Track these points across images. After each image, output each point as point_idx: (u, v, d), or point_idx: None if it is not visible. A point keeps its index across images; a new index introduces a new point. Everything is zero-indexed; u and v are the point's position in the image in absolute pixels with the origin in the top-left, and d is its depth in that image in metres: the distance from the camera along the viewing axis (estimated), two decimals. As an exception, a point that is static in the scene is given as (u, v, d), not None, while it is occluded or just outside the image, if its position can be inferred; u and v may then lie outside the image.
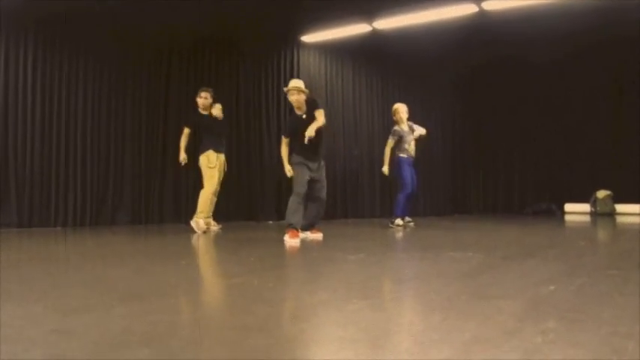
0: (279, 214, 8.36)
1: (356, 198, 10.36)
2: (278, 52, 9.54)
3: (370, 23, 8.89)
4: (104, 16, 7.59)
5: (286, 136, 5.95)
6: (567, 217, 10.66)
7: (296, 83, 5.89)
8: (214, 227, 7.13)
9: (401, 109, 7.73)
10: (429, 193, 11.41)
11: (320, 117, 5.66)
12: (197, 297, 2.99)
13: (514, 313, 2.28)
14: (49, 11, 7.25)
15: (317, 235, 5.87)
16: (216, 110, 7.01)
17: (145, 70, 8.19)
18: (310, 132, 5.49)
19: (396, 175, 7.64)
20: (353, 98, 10.57)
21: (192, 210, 6.84)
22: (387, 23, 8.87)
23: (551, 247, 5.25)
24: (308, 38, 9.61)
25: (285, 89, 5.98)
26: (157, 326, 2.10)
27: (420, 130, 7.75)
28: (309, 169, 5.71)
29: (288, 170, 5.77)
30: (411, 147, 7.64)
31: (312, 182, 5.74)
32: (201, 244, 5.68)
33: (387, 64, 10.95)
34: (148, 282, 3.20)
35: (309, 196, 5.81)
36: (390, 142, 7.62)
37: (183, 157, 6.90)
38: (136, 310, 2.38)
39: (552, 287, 2.85)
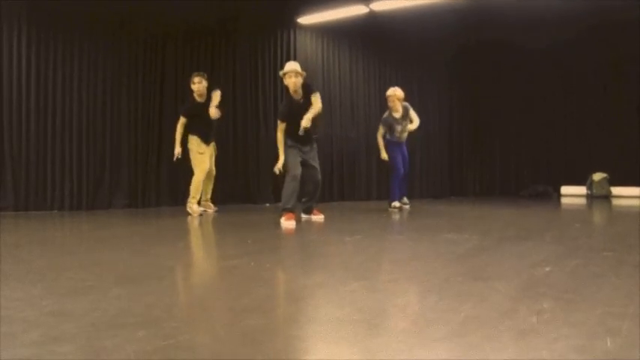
0: (276, 196, 8.34)
1: (353, 180, 10.34)
2: (274, 34, 9.45)
3: (367, 4, 8.81)
4: (99, 1, 7.49)
5: (282, 121, 5.67)
6: (563, 200, 10.68)
7: (293, 66, 5.67)
8: (210, 210, 7.15)
9: (394, 97, 7.49)
10: (426, 176, 11.42)
11: (317, 102, 5.60)
12: (193, 279, 3.00)
13: (510, 294, 2.30)
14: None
15: (319, 217, 5.89)
16: (216, 97, 6.69)
17: (141, 53, 8.09)
18: (306, 123, 5.42)
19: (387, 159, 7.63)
20: (350, 80, 10.51)
21: (189, 194, 6.81)
22: (384, 5, 8.79)
23: (547, 229, 5.27)
24: (304, 20, 9.52)
25: (281, 73, 5.74)
26: (154, 308, 2.10)
27: (412, 125, 7.58)
28: (301, 151, 5.71)
29: (282, 161, 5.65)
30: (400, 135, 7.56)
31: (306, 166, 5.73)
32: (197, 227, 5.69)
33: (384, 46, 10.87)
34: (144, 264, 3.21)
35: (304, 180, 5.79)
36: (381, 131, 7.56)
37: (178, 151, 6.71)
38: (133, 292, 2.38)
39: (548, 268, 2.87)
